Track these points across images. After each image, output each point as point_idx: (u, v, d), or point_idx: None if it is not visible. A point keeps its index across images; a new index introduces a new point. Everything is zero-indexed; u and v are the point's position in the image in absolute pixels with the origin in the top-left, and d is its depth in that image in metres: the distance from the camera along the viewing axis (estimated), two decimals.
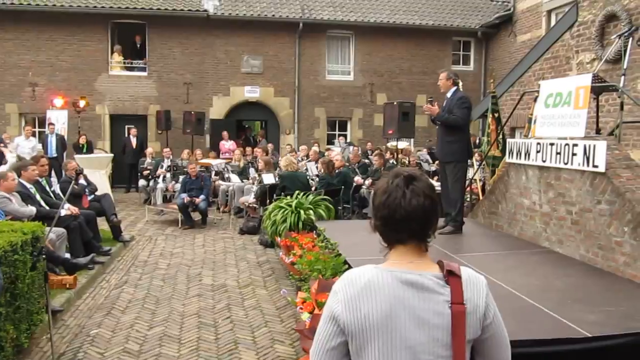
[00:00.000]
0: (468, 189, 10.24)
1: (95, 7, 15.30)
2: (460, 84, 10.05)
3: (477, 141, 13.38)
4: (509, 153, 6.68)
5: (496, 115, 9.37)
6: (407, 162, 12.36)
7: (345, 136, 17.61)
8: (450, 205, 6.62)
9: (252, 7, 16.52)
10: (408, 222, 1.68)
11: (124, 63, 16.35)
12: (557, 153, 5.69)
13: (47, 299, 4.60)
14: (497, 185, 7.22)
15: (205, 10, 15.91)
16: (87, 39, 15.74)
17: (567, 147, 5.55)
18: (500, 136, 9.23)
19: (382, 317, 1.60)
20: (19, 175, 7.09)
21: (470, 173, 10.16)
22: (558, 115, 5.94)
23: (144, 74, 16.35)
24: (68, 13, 15.22)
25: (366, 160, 13.48)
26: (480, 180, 10.47)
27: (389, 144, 13.65)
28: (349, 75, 17.62)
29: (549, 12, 14.52)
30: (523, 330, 3.69)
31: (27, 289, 4.68)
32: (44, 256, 4.41)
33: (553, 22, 14.37)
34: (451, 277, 1.68)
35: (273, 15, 16.41)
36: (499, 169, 9.04)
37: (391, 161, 12.34)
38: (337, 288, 1.69)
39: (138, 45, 16.51)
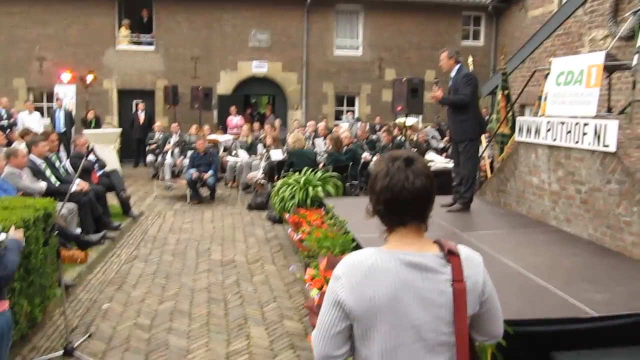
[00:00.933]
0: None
1: None
2: (471, 59, 10.05)
3: (487, 118, 13.28)
4: (519, 131, 6.64)
5: (506, 92, 9.28)
6: (415, 138, 12.30)
7: (353, 112, 17.53)
8: (460, 183, 6.63)
9: None
10: (413, 203, 1.70)
11: (132, 37, 16.26)
12: (568, 132, 5.65)
13: (60, 274, 4.67)
14: (506, 163, 7.20)
15: None
16: (94, 12, 15.65)
17: (577, 126, 5.52)
18: (510, 114, 9.17)
19: (388, 300, 1.63)
20: (30, 151, 7.13)
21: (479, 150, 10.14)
22: (569, 94, 5.89)
23: (152, 48, 16.28)
24: None
25: (374, 136, 13.43)
26: (488, 157, 10.44)
27: (397, 120, 13.57)
28: (357, 50, 17.46)
29: None
30: (530, 309, 3.72)
31: (40, 264, 4.76)
32: (56, 232, 4.46)
33: None
34: (451, 256, 1.71)
35: None
36: (507, 147, 8.99)
37: (399, 137, 12.29)
38: (340, 273, 1.70)
39: (145, 20, 16.38)
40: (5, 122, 12.92)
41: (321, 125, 14.69)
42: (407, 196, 1.67)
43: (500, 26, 17.62)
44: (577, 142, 5.52)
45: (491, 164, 10.38)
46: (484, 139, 10.13)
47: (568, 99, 5.90)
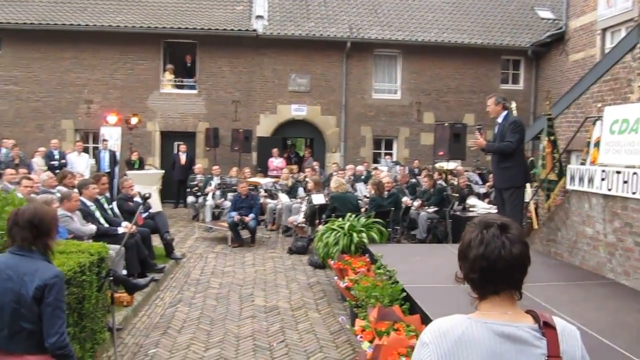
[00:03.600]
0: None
1: (148, 27, 15.76)
2: (514, 105, 9.97)
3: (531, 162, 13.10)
4: (571, 179, 6.51)
5: (552, 138, 9.16)
6: (456, 183, 12.17)
7: (391, 155, 17.51)
8: None
9: (301, 27, 16.72)
10: (509, 271, 1.65)
11: (175, 81, 16.74)
12: (624, 182, 5.51)
13: (113, 319, 4.68)
14: (556, 212, 7.03)
15: (255, 30, 16.18)
16: (140, 58, 16.21)
17: (635, 175, 5.37)
18: (557, 160, 9.01)
19: None
20: (80, 194, 7.30)
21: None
22: (625, 143, 5.76)
23: (194, 92, 16.70)
24: (123, 33, 15.73)
25: (414, 180, 13.35)
26: (534, 204, 10.23)
27: (437, 164, 13.49)
28: (395, 93, 17.57)
29: (604, 30, 14.16)
30: None
31: (92, 309, 4.79)
32: (111, 278, 4.50)
33: (608, 41, 14.03)
34: (547, 328, 1.64)
35: (321, 35, 16.55)
36: (554, 193, 8.81)
37: (440, 182, 12.19)
38: (428, 340, 1.65)
39: (188, 64, 16.88)
40: (56, 163, 13.32)
41: (360, 167, 14.74)
42: (503, 265, 1.62)
43: (540, 70, 17.54)
44: (634, 193, 5.36)
45: (536, 210, 10.18)
46: (528, 185, 10.00)
47: (623, 147, 5.77)
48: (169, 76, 16.64)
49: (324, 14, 17.41)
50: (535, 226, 9.16)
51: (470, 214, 10.53)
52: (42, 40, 15.65)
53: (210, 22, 16.29)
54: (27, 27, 15.30)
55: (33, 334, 2.91)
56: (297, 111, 17.07)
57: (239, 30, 16.08)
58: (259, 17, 16.76)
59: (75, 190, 7.52)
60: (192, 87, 16.79)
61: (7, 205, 4.09)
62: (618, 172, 5.61)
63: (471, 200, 11.39)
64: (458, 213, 10.66)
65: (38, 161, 13.57)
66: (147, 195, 6.01)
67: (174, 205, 15.60)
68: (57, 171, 12.22)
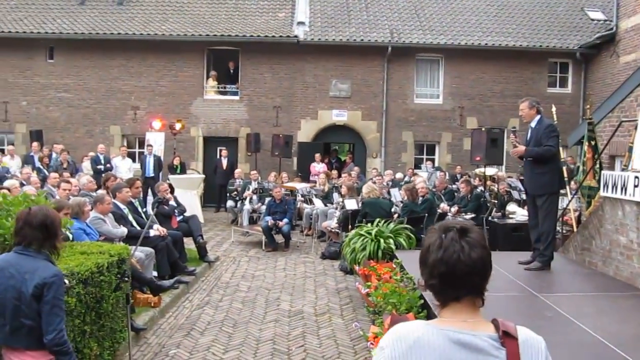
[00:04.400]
0: (561, 219, 9.69)
1: (193, 35, 16.15)
2: (554, 109, 9.67)
3: (574, 168, 12.65)
4: (604, 186, 6.24)
5: (592, 143, 8.83)
6: (495, 189, 11.87)
7: (432, 160, 17.27)
8: (539, 240, 6.26)
9: (342, 32, 16.74)
10: (470, 276, 1.60)
11: (218, 88, 17.08)
12: None
13: (129, 319, 4.80)
14: (590, 220, 6.75)
15: (296, 36, 16.31)
16: (184, 65, 16.63)
17: None
18: (598, 165, 8.67)
19: None
20: (114, 197, 7.54)
21: (564, 203, 9.62)
22: None
23: (236, 98, 16.98)
24: (168, 41, 16.18)
25: (453, 186, 13.12)
26: (575, 211, 9.87)
27: (477, 170, 13.20)
28: (437, 98, 17.33)
29: None
30: None
31: (111, 309, 4.92)
32: (126, 278, 4.62)
33: None
34: (507, 338, 1.58)
35: (362, 40, 16.52)
36: (595, 200, 8.48)
37: (479, 188, 11.93)
38: (385, 344, 1.63)
39: (231, 71, 17.19)
40: (102, 167, 13.82)
41: (400, 175, 14.60)
42: (463, 270, 1.58)
43: (589, 73, 16.92)
44: None
45: (578, 217, 9.81)
46: (569, 191, 9.66)
47: None
48: (212, 83, 16.99)
49: (365, 19, 17.37)
50: None
51: (509, 221, 10.26)
52: (92, 49, 16.29)
53: (252, 29, 16.54)
54: (78, 37, 15.96)
55: (33, 330, 3.02)
56: (338, 116, 17.08)
57: (280, 36, 16.26)
58: (301, 23, 16.89)
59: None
60: (234, 94, 17.08)
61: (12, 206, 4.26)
62: None
63: (511, 207, 11.07)
64: (496, 220, 10.39)
65: (87, 165, 14.14)
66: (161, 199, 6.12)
67: (215, 209, 15.88)
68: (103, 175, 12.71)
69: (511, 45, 16.54)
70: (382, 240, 7.48)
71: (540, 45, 16.59)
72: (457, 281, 1.60)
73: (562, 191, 9.26)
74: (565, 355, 3.78)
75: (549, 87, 17.06)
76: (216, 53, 17.05)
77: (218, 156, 16.33)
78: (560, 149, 9.46)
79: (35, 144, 13.97)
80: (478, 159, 10.66)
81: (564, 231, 9.48)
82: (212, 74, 16.99)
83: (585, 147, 8.93)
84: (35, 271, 3.05)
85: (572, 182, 10.52)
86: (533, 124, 6.33)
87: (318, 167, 15.75)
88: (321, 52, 16.71)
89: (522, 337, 1.60)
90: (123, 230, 7.16)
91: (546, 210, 6.14)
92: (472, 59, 16.81)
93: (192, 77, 16.72)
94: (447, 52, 16.84)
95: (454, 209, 10.95)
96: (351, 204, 10.10)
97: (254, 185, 13.37)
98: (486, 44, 16.56)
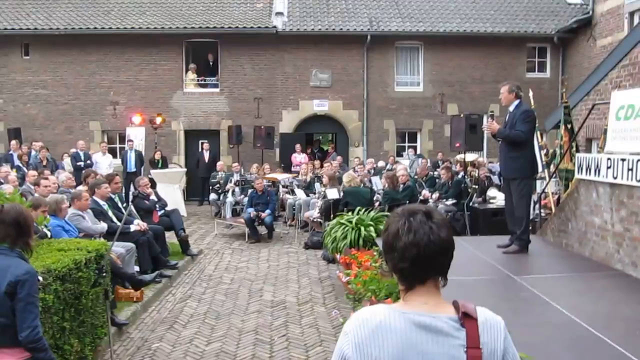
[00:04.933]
0: (542, 203, 9.81)
1: (170, 27, 16.01)
2: (531, 94, 9.76)
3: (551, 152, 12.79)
4: (579, 168, 6.33)
5: (569, 126, 8.93)
6: (476, 174, 11.97)
7: (415, 148, 17.34)
8: (515, 224, 6.35)
9: (320, 22, 16.70)
10: (439, 257, 1.63)
11: (198, 80, 16.97)
12: (629, 169, 5.32)
13: (108, 314, 4.80)
14: (566, 202, 6.85)
15: (275, 27, 16.25)
16: (163, 58, 16.49)
17: (639, 163, 5.18)
18: (575, 148, 8.79)
19: None
20: (92, 193, 7.49)
21: (541, 187, 9.73)
22: (630, 129, 5.58)
23: (217, 90, 16.90)
24: (146, 34, 16.02)
25: (434, 173, 13.20)
26: (554, 194, 10.00)
27: (457, 157, 13.30)
28: (418, 86, 17.39)
29: (631, 13, 13.69)
30: None
31: (91, 304, 4.92)
32: (104, 274, 4.61)
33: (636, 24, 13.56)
34: (467, 319, 1.61)
35: (341, 29, 16.50)
36: (572, 183, 8.60)
37: (460, 174, 12.02)
38: (348, 329, 1.65)
39: (211, 63, 17.08)
40: (82, 164, 13.69)
41: (382, 163, 14.68)
42: (434, 250, 1.61)
43: (567, 57, 17.07)
44: (639, 181, 5.18)
45: (557, 200, 9.94)
46: (547, 175, 9.78)
47: (629, 134, 5.58)
48: (191, 75, 16.88)
49: (344, 8, 17.34)
50: None
51: (490, 206, 10.37)
52: (68, 45, 16.07)
53: (230, 20, 16.43)
54: (54, 32, 15.73)
55: (7, 328, 3.01)
56: (319, 106, 17.09)
57: (259, 27, 16.19)
58: (279, 13, 16.82)
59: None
60: (214, 86, 16.99)
61: None
62: (623, 160, 5.42)
63: (491, 192, 11.18)
64: (476, 205, 10.50)
65: (68, 162, 14.00)
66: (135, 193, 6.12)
67: (199, 202, 15.83)
68: (83, 171, 12.60)
69: (489, 31, 16.62)
70: (362, 229, 7.55)
71: (519, 31, 16.70)
72: (427, 262, 1.62)
73: (542, 175, 9.41)
74: (539, 335, 3.86)
75: (528, 72, 17.20)
76: (195, 45, 16.94)
77: (200, 149, 16.28)
78: (539, 133, 9.60)
79: (14, 142, 13.79)
80: (458, 145, 10.75)
81: (544, 214, 9.60)
82: (192, 66, 16.88)
83: (562, 131, 9.03)
84: (8, 269, 3.03)
85: (552, 166, 10.64)
86: (511, 108, 6.39)
87: (299, 157, 15.76)
88: (300, 42, 16.67)
89: (481, 318, 1.62)
90: (103, 226, 7.13)
91: (520, 193, 6.22)
92: (451, 45, 16.88)
93: (171, 70, 16.59)
94: (427, 39, 16.88)
95: (435, 195, 11.03)
96: (332, 193, 10.14)
97: (236, 177, 13.35)
98: (465, 30, 16.63)
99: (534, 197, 9.25)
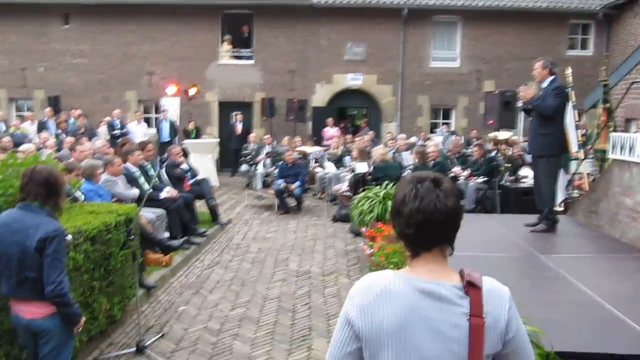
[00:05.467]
0: (577, 184, 9.62)
1: None
2: (569, 71, 9.48)
3: (589, 133, 12.46)
4: (612, 148, 6.19)
5: (607, 105, 8.69)
6: (509, 153, 11.77)
7: (448, 124, 17.12)
8: (542, 202, 6.26)
9: None
10: (445, 225, 1.64)
11: (233, 52, 17.03)
12: None
13: (136, 275, 4.97)
14: (599, 182, 6.72)
15: None
16: (198, 29, 16.58)
17: None
18: (612, 129, 8.56)
19: (396, 326, 1.58)
20: (125, 160, 7.67)
21: (579, 167, 9.51)
22: None
23: (251, 62, 16.94)
24: (182, 5, 16.14)
25: (467, 150, 13.03)
26: (590, 175, 9.78)
27: (491, 134, 13.07)
28: (455, 61, 17.09)
29: None
30: (601, 343, 3.44)
31: (120, 266, 5.09)
32: (132, 237, 4.76)
33: None
34: (471, 288, 1.62)
35: (377, 2, 16.27)
36: (608, 163, 8.40)
37: (493, 152, 11.84)
38: (354, 293, 1.68)
39: (245, 35, 17.10)
40: (117, 132, 14.00)
41: (414, 139, 14.54)
42: (439, 218, 1.62)
43: (612, 34, 16.47)
44: None
45: (593, 181, 9.73)
46: (582, 154, 9.55)
47: None
48: (226, 47, 16.94)
49: None
50: None
51: (522, 185, 10.22)
52: (107, 15, 16.30)
53: None
54: (93, 2, 15.97)
55: (37, 282, 3.16)
56: (353, 80, 16.98)
57: None
58: None
59: None
60: (249, 58, 17.03)
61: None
62: None
63: (524, 171, 11.01)
64: (508, 184, 10.36)
65: (103, 130, 14.32)
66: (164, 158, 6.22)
67: (231, 173, 16.03)
68: (119, 140, 12.88)
69: (531, 7, 16.15)
70: (389, 202, 7.53)
71: (561, 6, 16.18)
72: (432, 230, 1.63)
73: (578, 155, 9.18)
74: (558, 313, 3.84)
75: (569, 50, 16.71)
76: (230, 17, 16.95)
77: (233, 121, 16.41)
78: (576, 112, 9.33)
79: (47, 109, 14.14)
80: (491, 122, 10.56)
81: (577, 195, 9.41)
82: (227, 38, 16.92)
83: (600, 110, 8.81)
84: (39, 226, 3.17)
85: (588, 146, 10.39)
86: (544, 85, 6.25)
87: (331, 131, 15.75)
88: (336, 14, 16.52)
89: (486, 287, 1.63)
90: (135, 192, 7.31)
91: (546, 172, 6.12)
92: (490, 21, 16.48)
93: (207, 41, 16.69)
94: (465, 13, 16.52)
95: (466, 172, 10.91)
96: (362, 167, 10.14)
97: (267, 149, 13.44)
98: (505, 5, 16.19)
99: (567, 178, 9.08)
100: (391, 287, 1.62)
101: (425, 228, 1.63)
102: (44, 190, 3.26)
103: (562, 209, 8.32)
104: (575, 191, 9.36)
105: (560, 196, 8.58)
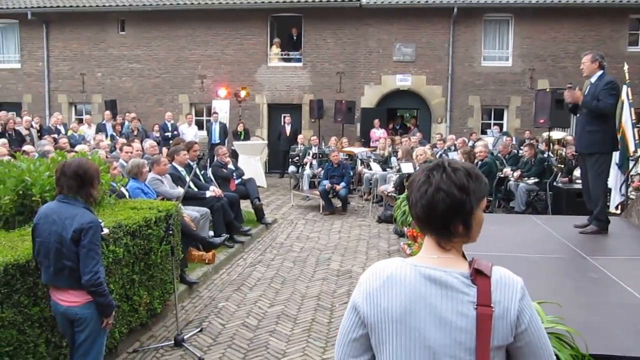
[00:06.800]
0: (635, 184, 9.18)
1: (256, 2, 16.30)
2: (626, 67, 9.05)
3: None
4: None
5: None
6: (563, 153, 11.37)
7: (500, 125, 16.70)
8: (591, 203, 5.99)
9: None
10: (449, 212, 1.59)
11: (282, 55, 17.22)
12: None
13: (174, 270, 5.08)
14: None
15: (358, 0, 16.09)
16: (248, 33, 16.87)
17: None
18: None
19: (401, 313, 1.56)
20: (172, 160, 7.87)
21: (637, 168, 9.08)
22: None
23: (300, 64, 17.07)
24: (233, 10, 16.45)
25: (518, 152, 12.67)
26: None
27: (544, 134, 12.67)
28: (507, 60, 16.65)
29: None
30: None
31: (160, 261, 5.22)
32: (171, 232, 4.86)
33: None
34: (479, 276, 1.57)
35: (426, 2, 16.06)
36: None
37: (546, 153, 11.46)
38: (362, 279, 1.68)
39: (294, 37, 17.26)
40: (169, 134, 14.43)
41: (450, 138, 14.27)
42: (442, 206, 1.58)
43: None
44: None
45: None
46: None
47: None
48: (275, 50, 17.15)
49: None
50: None
51: (576, 187, 9.84)
52: (160, 21, 16.83)
53: None
54: (147, 9, 16.52)
55: (73, 271, 3.27)
56: (402, 81, 16.83)
57: (343, 0, 16.10)
58: None
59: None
60: (297, 60, 17.17)
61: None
62: None
63: (578, 172, 10.60)
64: (560, 185, 10.01)
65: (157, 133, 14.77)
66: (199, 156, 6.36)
67: (279, 175, 16.20)
68: (171, 141, 13.24)
69: (587, 2, 15.54)
70: None
71: (620, 1, 15.49)
72: (437, 217, 1.60)
73: (637, 155, 8.76)
74: (599, 315, 3.66)
75: (630, 46, 15.97)
76: (279, 20, 17.15)
77: (282, 123, 16.57)
78: (633, 110, 8.91)
79: (107, 113, 14.72)
80: (542, 121, 10.23)
81: (634, 197, 8.97)
82: (276, 41, 17.13)
83: None
84: (74, 217, 3.29)
85: None
86: (593, 79, 5.98)
87: (378, 132, 15.66)
88: (384, 15, 16.43)
89: (495, 276, 1.58)
90: (179, 191, 7.46)
91: (596, 171, 5.83)
92: (544, 17, 15.98)
93: (256, 44, 16.94)
94: (517, 11, 16.08)
95: (517, 173, 10.61)
96: (407, 168, 10.02)
97: (314, 150, 13.50)
98: (560, 0, 15.65)
99: (624, 178, 8.68)
100: (398, 273, 1.60)
101: (430, 215, 1.60)
102: (75, 182, 3.36)
103: (618, 211, 7.97)
104: (633, 192, 8.93)
105: (617, 198, 8.22)
